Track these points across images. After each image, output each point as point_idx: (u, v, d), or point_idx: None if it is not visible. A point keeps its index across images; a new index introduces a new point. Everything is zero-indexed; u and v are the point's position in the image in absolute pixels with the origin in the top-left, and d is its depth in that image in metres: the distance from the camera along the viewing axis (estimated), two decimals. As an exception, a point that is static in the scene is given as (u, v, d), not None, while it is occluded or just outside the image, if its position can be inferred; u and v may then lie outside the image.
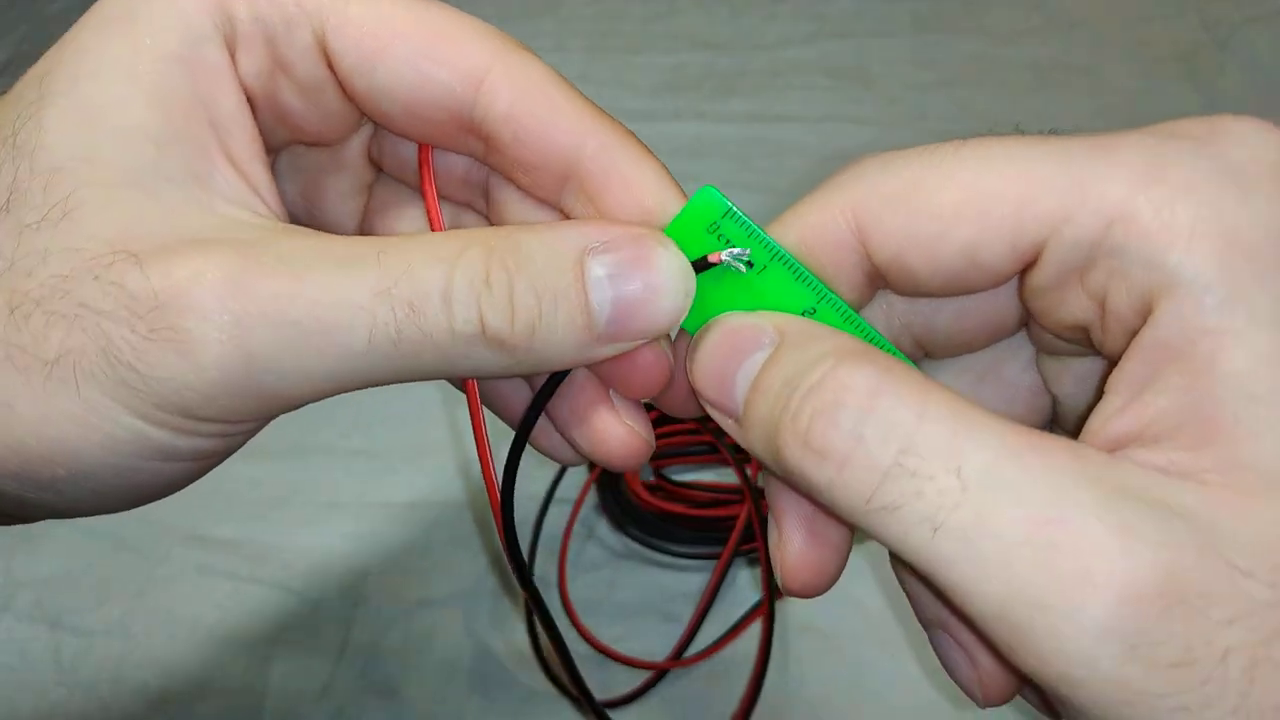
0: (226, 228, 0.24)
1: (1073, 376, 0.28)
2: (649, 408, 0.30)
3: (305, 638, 0.53)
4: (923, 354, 0.29)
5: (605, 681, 0.51)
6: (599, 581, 0.54)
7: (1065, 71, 0.78)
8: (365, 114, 0.28)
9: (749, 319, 0.26)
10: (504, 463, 0.29)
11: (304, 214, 0.31)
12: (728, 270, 0.27)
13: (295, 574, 0.55)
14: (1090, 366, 0.27)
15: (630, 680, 0.51)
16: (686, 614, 0.52)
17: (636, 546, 0.55)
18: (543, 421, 0.31)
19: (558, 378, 0.29)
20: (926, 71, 0.79)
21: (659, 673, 0.50)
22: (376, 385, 0.25)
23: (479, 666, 0.52)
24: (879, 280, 0.26)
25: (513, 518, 0.30)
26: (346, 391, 0.25)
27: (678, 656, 0.51)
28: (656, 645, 0.52)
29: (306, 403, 0.25)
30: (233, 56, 0.26)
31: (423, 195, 0.29)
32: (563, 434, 0.31)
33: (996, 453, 0.20)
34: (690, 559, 0.54)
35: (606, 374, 0.29)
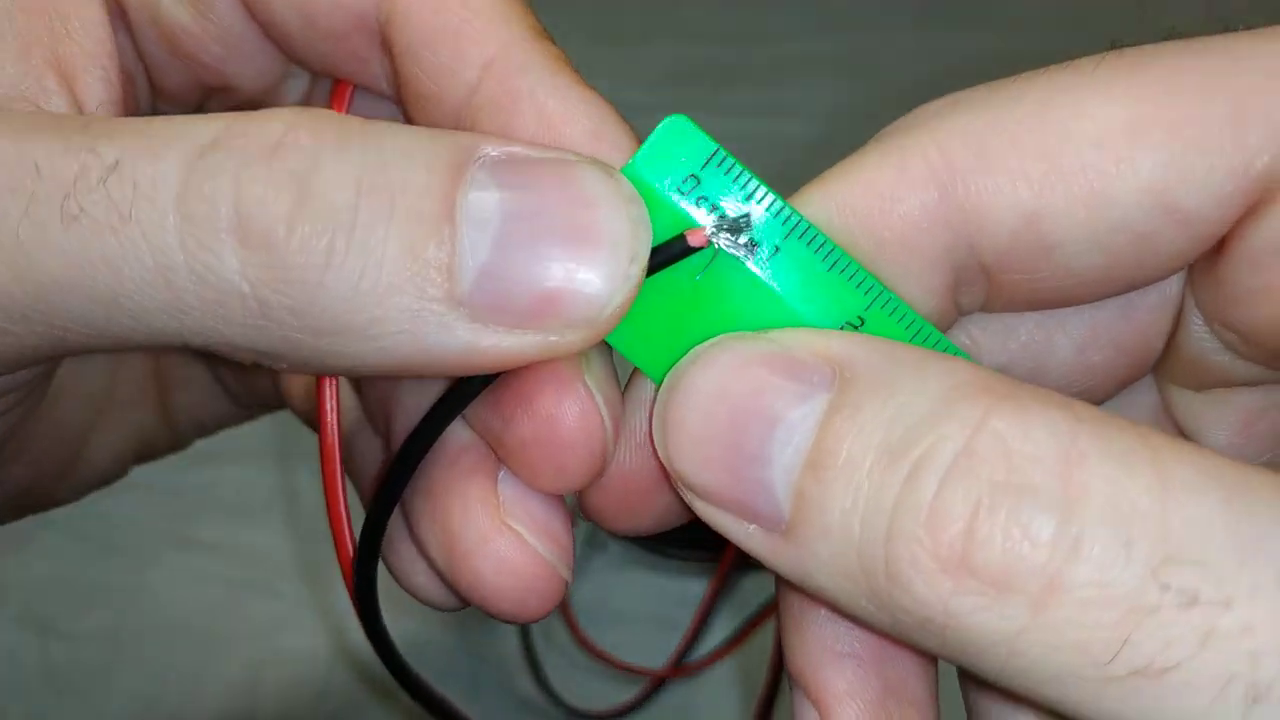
0: None
1: (1240, 416, 0.19)
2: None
3: (299, 643, 0.52)
4: None
5: (603, 691, 0.50)
6: (597, 587, 0.54)
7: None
8: (264, 31, 0.22)
9: (768, 345, 0.16)
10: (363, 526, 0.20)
11: None
12: (717, 261, 0.17)
13: (288, 578, 0.55)
14: (1263, 400, 0.19)
15: (629, 690, 0.50)
16: (687, 620, 0.52)
17: (636, 550, 0.54)
18: (397, 526, 0.21)
19: (448, 406, 0.18)
20: (932, 64, 0.78)
21: (658, 682, 0.49)
22: (58, 337, 0.16)
23: (473, 673, 0.51)
24: (973, 282, 0.18)
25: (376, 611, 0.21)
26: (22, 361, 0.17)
27: (678, 664, 0.50)
28: (656, 653, 0.51)
29: None
30: None
31: None
32: (421, 550, 0.21)
33: None
34: (691, 562, 0.53)
35: (491, 432, 0.19)
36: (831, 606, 0.17)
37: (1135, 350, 0.19)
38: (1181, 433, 0.20)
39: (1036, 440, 0.13)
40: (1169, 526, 0.13)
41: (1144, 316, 0.19)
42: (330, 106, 0.23)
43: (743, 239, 0.17)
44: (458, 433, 0.20)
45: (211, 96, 0.25)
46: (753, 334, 0.17)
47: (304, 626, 0.53)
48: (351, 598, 0.21)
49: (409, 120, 0.22)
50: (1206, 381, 0.19)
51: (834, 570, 0.15)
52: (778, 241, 0.17)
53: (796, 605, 0.18)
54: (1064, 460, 0.13)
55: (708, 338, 0.17)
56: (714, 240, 0.17)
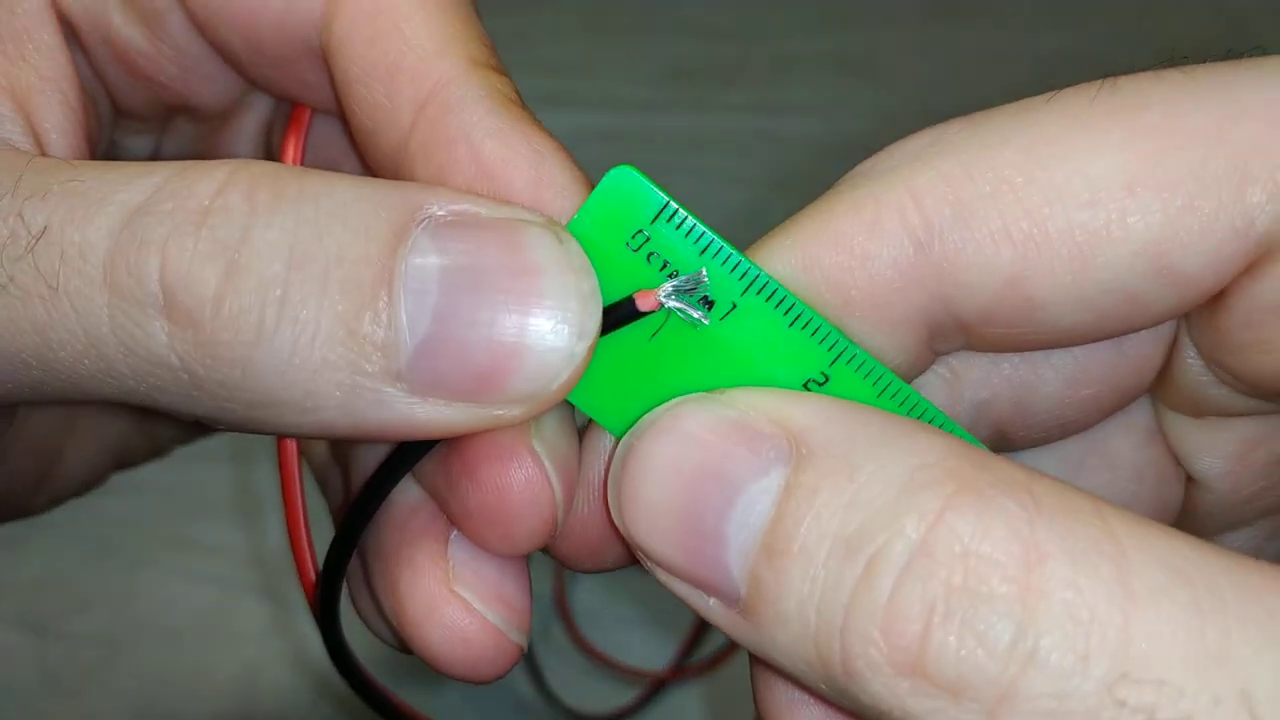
0: None
1: (1237, 445, 0.19)
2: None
3: (295, 645, 0.52)
4: (999, 443, 0.19)
5: (602, 694, 0.50)
6: (597, 589, 0.53)
7: (1077, 62, 0.77)
8: (214, 49, 0.22)
9: (724, 411, 0.15)
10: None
11: None
12: (671, 321, 0.17)
13: (285, 579, 0.54)
14: (1260, 429, 0.18)
15: (629, 692, 0.50)
16: (687, 623, 0.51)
17: (636, 551, 0.54)
18: (358, 574, 0.20)
19: (391, 470, 0.17)
20: (935, 62, 0.78)
21: (658, 684, 0.49)
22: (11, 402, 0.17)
23: (473, 676, 0.51)
24: (950, 335, 0.17)
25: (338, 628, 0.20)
26: None
27: (678, 667, 0.50)
28: (656, 655, 0.51)
29: None
30: None
31: (279, 159, 0.22)
32: (376, 602, 0.20)
33: None
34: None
35: (439, 496, 0.19)
36: (793, 683, 0.17)
37: (1126, 383, 0.18)
38: (1175, 457, 0.19)
39: (995, 539, 0.13)
40: (1129, 638, 0.12)
41: (1136, 351, 0.18)
42: (287, 132, 0.22)
43: (698, 297, 0.16)
44: (408, 492, 0.19)
45: (176, 115, 0.24)
46: (709, 396, 0.16)
47: (301, 628, 0.52)
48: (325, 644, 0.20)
49: (358, 153, 0.21)
50: (1203, 410, 0.19)
51: (791, 655, 0.14)
52: (734, 298, 0.16)
53: None
54: (1022, 563, 0.13)
55: (666, 392, 0.17)
56: (667, 303, 0.16)
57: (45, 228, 0.15)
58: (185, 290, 0.15)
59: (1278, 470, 0.19)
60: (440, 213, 0.16)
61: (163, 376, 0.16)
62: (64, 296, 0.15)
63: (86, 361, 0.16)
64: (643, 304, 0.16)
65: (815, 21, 0.82)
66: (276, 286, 0.15)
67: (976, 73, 0.77)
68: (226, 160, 0.16)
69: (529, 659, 0.50)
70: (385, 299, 0.15)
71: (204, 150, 0.25)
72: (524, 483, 0.17)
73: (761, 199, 0.62)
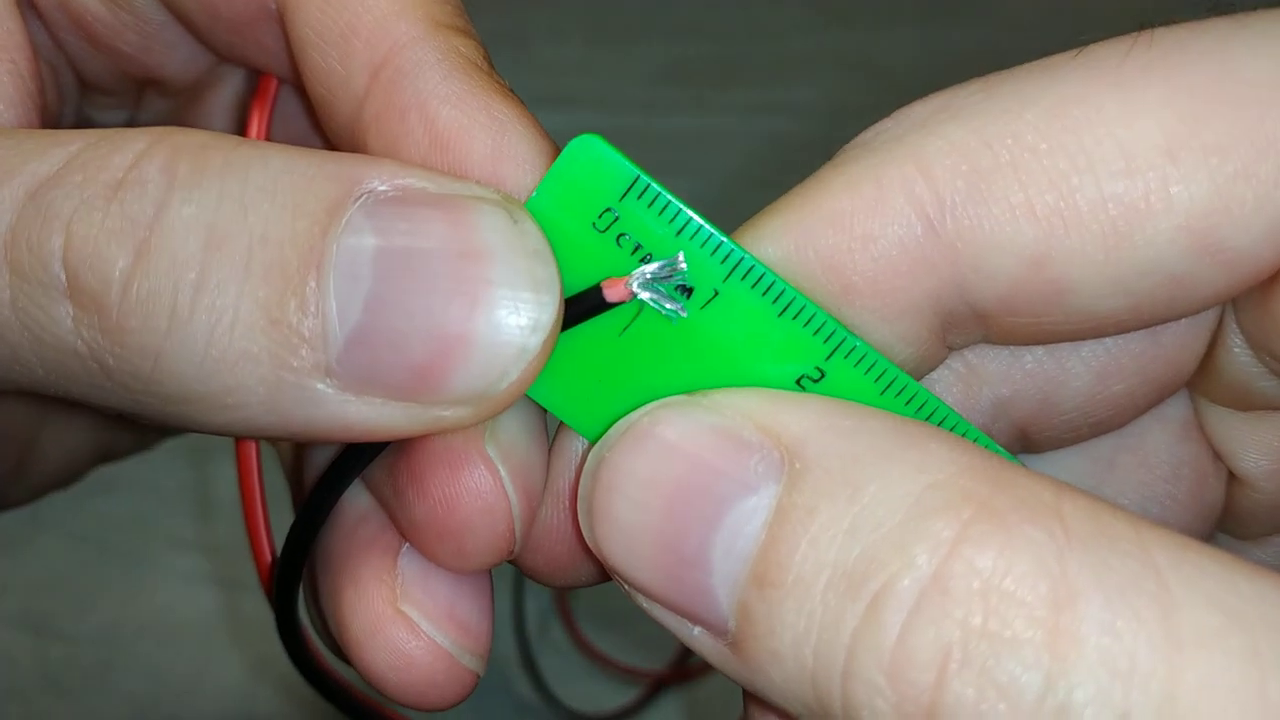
0: None
1: None
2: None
3: (295, 645, 0.52)
4: (1020, 445, 0.17)
5: (602, 694, 0.49)
6: (596, 588, 0.53)
7: (1076, 61, 0.77)
8: (173, 14, 0.20)
9: (707, 417, 0.13)
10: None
11: None
12: (645, 312, 0.14)
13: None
14: None
15: (629, 692, 0.49)
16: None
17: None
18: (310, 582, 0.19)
19: (337, 475, 0.16)
20: (934, 62, 0.77)
21: (658, 684, 0.49)
22: None
23: (473, 676, 0.51)
24: (965, 325, 0.15)
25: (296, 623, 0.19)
26: None
27: (678, 667, 0.49)
28: (656, 655, 0.50)
29: None
30: None
31: (244, 132, 0.21)
32: (323, 617, 0.18)
33: None
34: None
35: (388, 506, 0.17)
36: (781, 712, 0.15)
37: (1163, 376, 0.16)
38: (1217, 454, 0.17)
39: (1019, 574, 0.11)
40: (1175, 692, 0.10)
41: (1175, 341, 0.16)
42: (252, 104, 0.21)
43: (674, 284, 0.14)
44: (359, 498, 0.18)
45: (147, 89, 0.23)
46: (690, 399, 0.14)
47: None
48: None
49: (316, 128, 0.19)
50: (1249, 403, 0.17)
51: (786, 695, 0.12)
52: (716, 284, 0.14)
53: None
54: (1051, 602, 0.11)
55: (643, 391, 0.15)
56: (640, 292, 0.14)
57: None
58: (90, 271, 0.13)
59: None
60: (382, 188, 0.14)
61: (71, 366, 0.14)
62: None
63: None
64: (611, 294, 0.14)
65: (815, 21, 0.82)
66: (191, 269, 0.13)
67: (976, 73, 0.76)
68: (149, 129, 0.15)
69: (529, 659, 0.50)
70: (314, 284, 0.13)
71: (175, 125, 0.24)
72: (475, 492, 0.15)
73: (761, 198, 0.62)
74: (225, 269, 0.13)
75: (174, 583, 0.54)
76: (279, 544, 0.19)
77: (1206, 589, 0.11)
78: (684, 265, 0.14)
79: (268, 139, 0.20)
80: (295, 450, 0.24)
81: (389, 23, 0.16)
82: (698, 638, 0.14)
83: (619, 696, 0.49)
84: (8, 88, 0.18)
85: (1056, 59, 0.14)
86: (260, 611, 0.54)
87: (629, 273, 0.14)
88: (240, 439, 0.19)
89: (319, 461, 0.20)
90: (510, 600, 0.53)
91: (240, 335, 0.13)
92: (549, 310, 0.13)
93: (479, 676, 0.17)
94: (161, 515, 0.55)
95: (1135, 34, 0.14)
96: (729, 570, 0.13)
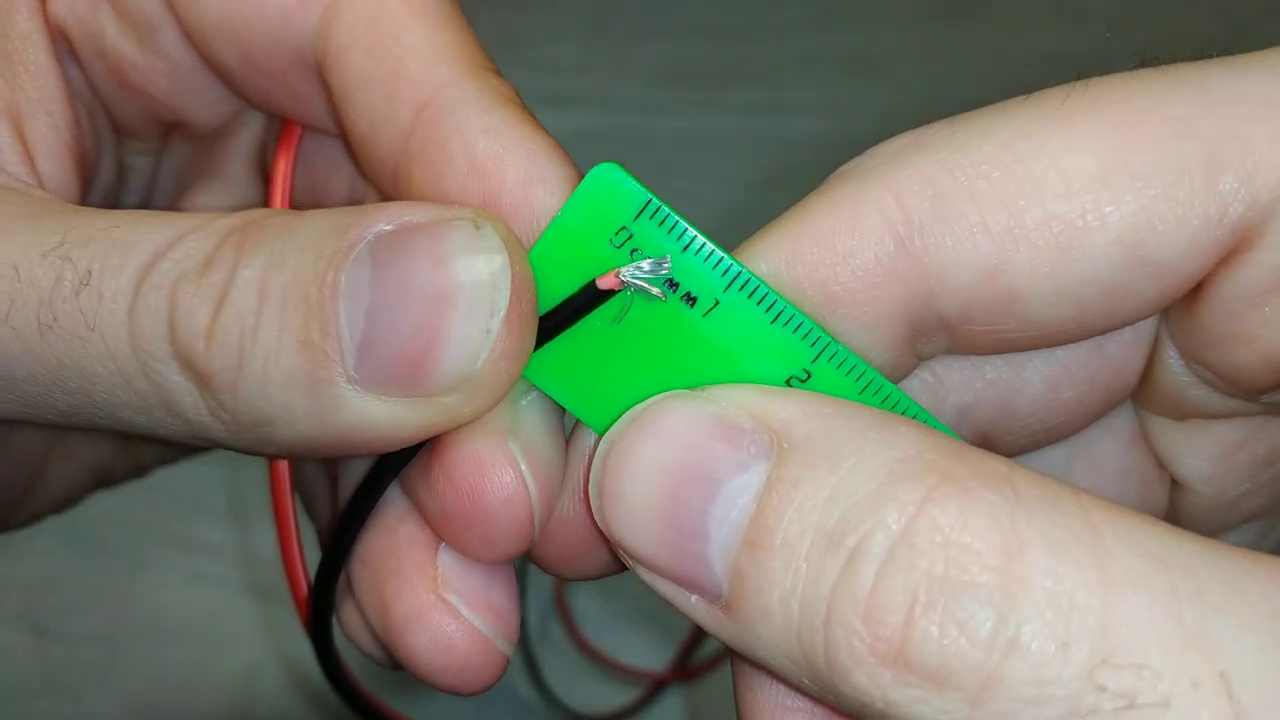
0: None
1: (1220, 447, 0.19)
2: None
3: (295, 646, 0.52)
4: (984, 448, 0.17)
5: (602, 694, 0.49)
6: (597, 588, 0.53)
7: (1077, 62, 0.76)
8: (206, 62, 0.22)
9: (706, 407, 0.15)
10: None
11: None
12: (653, 308, 0.17)
13: (283, 581, 0.54)
14: (1242, 431, 0.18)
15: (629, 693, 0.49)
16: (688, 623, 0.51)
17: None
18: (344, 587, 0.21)
19: (376, 480, 0.18)
20: (935, 62, 0.78)
21: (658, 685, 0.49)
22: (27, 413, 0.18)
23: (473, 676, 0.51)
24: (932, 333, 0.17)
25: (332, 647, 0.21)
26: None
27: (678, 667, 0.49)
28: (656, 656, 0.50)
29: None
30: None
31: (269, 184, 0.23)
32: (362, 617, 0.21)
33: (1272, 633, 0.12)
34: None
35: (421, 504, 0.19)
36: (776, 678, 0.17)
37: (1109, 385, 0.18)
38: (1159, 461, 0.20)
39: (976, 529, 0.13)
40: (1108, 624, 0.12)
41: (1117, 352, 0.18)
42: (278, 150, 0.23)
43: (658, 277, 0.17)
44: (396, 501, 0.20)
45: (172, 133, 0.25)
46: (691, 393, 0.16)
47: (300, 629, 0.53)
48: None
49: (354, 163, 0.22)
50: (1185, 412, 0.19)
51: (774, 649, 0.14)
52: (717, 294, 0.17)
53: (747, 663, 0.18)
54: (1003, 552, 0.13)
55: (649, 389, 0.17)
56: (630, 280, 0.17)
57: (89, 272, 0.17)
58: (185, 328, 0.17)
59: (1262, 472, 0.19)
60: (387, 227, 0.17)
61: (184, 404, 0.17)
62: (99, 336, 0.17)
63: (121, 394, 0.17)
64: (602, 283, 0.17)
65: (815, 21, 0.82)
66: (250, 316, 0.16)
67: (976, 73, 0.77)
68: (235, 215, 0.18)
69: (529, 659, 0.50)
70: (330, 309, 0.16)
71: (199, 170, 0.25)
72: (499, 484, 0.18)
73: (761, 199, 0.62)
74: (270, 311, 0.16)
75: (174, 583, 0.54)
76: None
77: (1135, 540, 0.13)
78: (669, 266, 0.16)
79: (291, 183, 0.23)
80: (321, 466, 0.25)
81: (431, 65, 0.19)
82: (694, 605, 0.16)
83: (619, 696, 0.49)
84: (47, 141, 0.21)
85: (1009, 102, 0.17)
86: (259, 612, 0.54)
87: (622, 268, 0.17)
88: (272, 464, 0.21)
89: (353, 472, 0.22)
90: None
91: (284, 360, 0.16)
92: (501, 294, 0.16)
93: (508, 660, 0.19)
94: (161, 515, 0.55)
95: (1073, 82, 0.16)
96: (724, 538, 0.15)
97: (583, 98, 0.69)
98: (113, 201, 0.25)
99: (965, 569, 0.13)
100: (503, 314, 0.16)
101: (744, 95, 0.76)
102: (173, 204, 0.26)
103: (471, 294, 0.16)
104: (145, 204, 0.26)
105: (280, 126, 0.23)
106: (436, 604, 0.19)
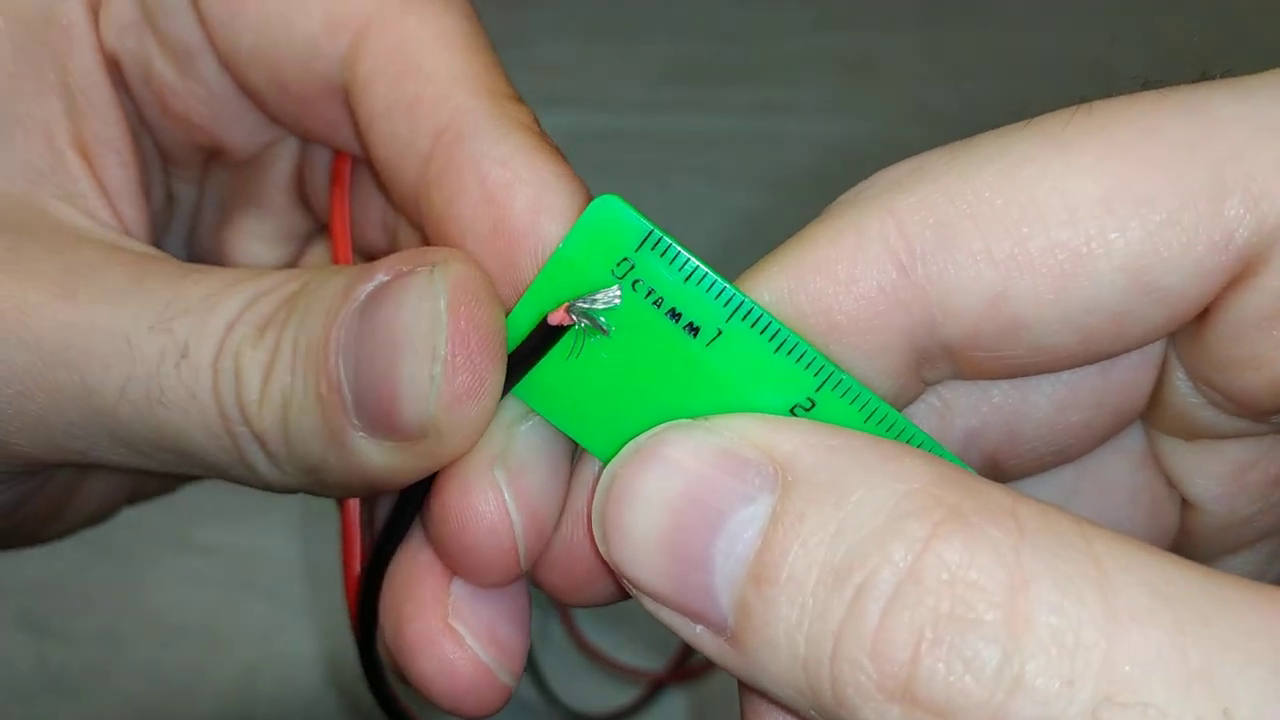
0: (28, 226, 0.20)
1: (1230, 467, 0.19)
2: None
3: (295, 646, 0.52)
4: (992, 472, 0.19)
5: (602, 693, 0.49)
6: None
7: (1077, 63, 0.77)
8: (242, 89, 0.23)
9: (710, 438, 0.15)
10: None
11: (213, 260, 0.27)
12: (659, 342, 0.16)
13: (285, 581, 0.54)
14: (1253, 451, 0.18)
15: (629, 692, 0.49)
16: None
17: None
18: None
19: (399, 515, 0.20)
20: (934, 63, 0.77)
21: (658, 684, 0.49)
22: (145, 470, 0.19)
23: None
24: (936, 360, 0.17)
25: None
26: (102, 465, 0.20)
27: (678, 667, 0.49)
28: (656, 655, 0.50)
29: (43, 464, 0.20)
30: (94, 14, 0.21)
31: (329, 218, 0.23)
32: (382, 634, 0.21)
33: (1276, 669, 0.12)
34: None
35: (428, 534, 0.20)
36: (781, 708, 0.17)
37: (1117, 408, 0.18)
38: (1169, 480, 0.19)
39: (981, 566, 0.13)
40: (1112, 661, 0.12)
41: (1125, 375, 0.18)
42: (333, 189, 0.24)
43: (606, 310, 0.17)
44: (417, 533, 0.21)
45: (212, 161, 0.25)
46: (694, 423, 0.16)
47: (301, 630, 0.52)
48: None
49: (381, 188, 0.22)
50: (1194, 432, 0.19)
51: (780, 681, 0.14)
52: (720, 324, 0.16)
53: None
54: (1008, 588, 0.13)
55: (653, 418, 0.17)
56: (573, 318, 0.17)
57: (187, 344, 0.18)
58: (245, 384, 0.18)
59: (1273, 492, 0.19)
60: (385, 279, 0.17)
61: (258, 462, 0.18)
62: (198, 403, 0.18)
63: (218, 455, 0.19)
64: (554, 319, 0.17)
65: (815, 21, 0.82)
66: (286, 375, 0.18)
67: (976, 73, 0.77)
68: (305, 272, 0.19)
69: (529, 659, 0.50)
70: (331, 364, 0.17)
71: (240, 197, 0.26)
72: (480, 514, 0.18)
73: (762, 199, 0.62)
74: (299, 369, 0.18)
75: (174, 583, 0.54)
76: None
77: (1140, 575, 0.13)
78: (618, 297, 0.16)
79: (349, 218, 0.23)
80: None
81: (450, 92, 0.19)
82: (700, 635, 0.16)
83: (619, 696, 0.49)
84: (118, 180, 0.21)
85: (1010, 128, 0.17)
86: (259, 612, 0.54)
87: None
88: (344, 505, 0.23)
89: (382, 513, 0.24)
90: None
91: (307, 413, 0.17)
92: (440, 337, 0.17)
93: (511, 691, 0.20)
94: (160, 515, 0.55)
95: (1076, 106, 0.16)
96: (729, 571, 0.15)
97: (583, 97, 0.69)
98: (162, 229, 0.26)
99: (971, 606, 0.13)
100: (443, 358, 0.17)
101: (744, 95, 0.76)
102: (218, 232, 0.27)
103: (413, 340, 0.17)
104: (192, 231, 0.27)
105: (333, 161, 0.24)
106: (444, 631, 0.19)
